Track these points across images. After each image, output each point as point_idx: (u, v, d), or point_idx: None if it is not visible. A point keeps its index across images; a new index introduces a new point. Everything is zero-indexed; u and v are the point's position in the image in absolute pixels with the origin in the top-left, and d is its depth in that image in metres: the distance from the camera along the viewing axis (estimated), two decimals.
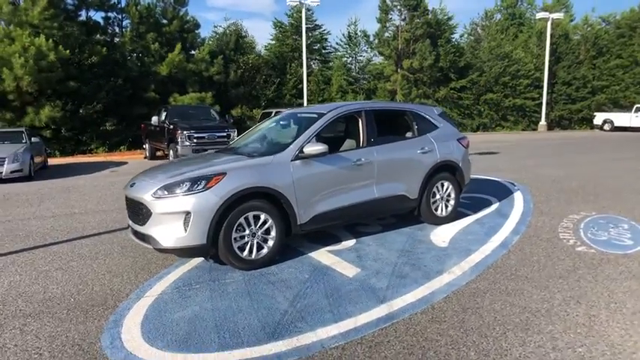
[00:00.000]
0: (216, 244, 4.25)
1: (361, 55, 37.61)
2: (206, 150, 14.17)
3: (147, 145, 17.06)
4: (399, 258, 4.72)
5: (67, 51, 18.04)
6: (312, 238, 5.47)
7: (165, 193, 4.22)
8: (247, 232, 4.41)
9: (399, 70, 34.36)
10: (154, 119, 15.17)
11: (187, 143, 13.85)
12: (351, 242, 5.33)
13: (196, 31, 25.62)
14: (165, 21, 23.86)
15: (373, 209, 5.35)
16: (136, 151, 19.75)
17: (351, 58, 37.52)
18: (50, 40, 16.96)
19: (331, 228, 5.73)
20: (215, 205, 4.16)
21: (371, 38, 36.56)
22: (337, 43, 37.64)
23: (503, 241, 5.24)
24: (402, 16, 35.01)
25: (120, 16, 23.43)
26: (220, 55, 25.70)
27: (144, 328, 3.34)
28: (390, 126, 5.83)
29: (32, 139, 13.27)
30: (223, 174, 4.30)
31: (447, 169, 6.03)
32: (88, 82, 19.79)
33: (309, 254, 4.92)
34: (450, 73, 34.76)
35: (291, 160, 4.67)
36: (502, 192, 8.20)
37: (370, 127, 5.39)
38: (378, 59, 37.56)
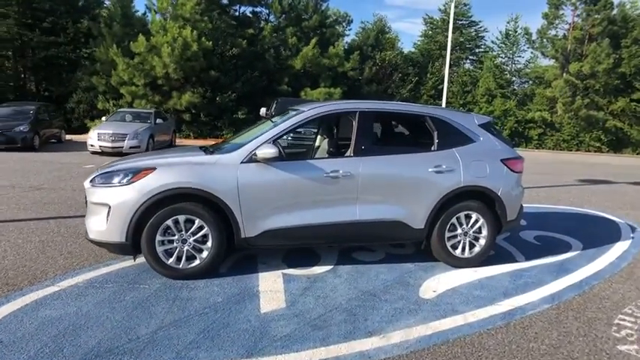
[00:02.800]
0: (139, 244, 3.90)
1: (519, 56, 33.56)
2: (303, 145, 14.17)
3: None
4: (350, 302, 3.73)
5: (210, 42, 19.87)
6: (289, 254, 4.77)
7: (99, 181, 4.02)
8: (177, 237, 3.95)
9: (564, 74, 29.63)
10: (262, 111, 15.65)
11: (284, 137, 13.93)
12: (324, 268, 4.47)
13: (336, 27, 25.90)
14: (306, 15, 24.58)
15: (354, 233, 4.37)
16: None
17: (506, 59, 33.73)
18: (194, 32, 18.85)
19: (317, 247, 4.95)
20: (135, 202, 3.80)
21: (534, 37, 32.25)
22: (492, 42, 34.16)
23: (517, 308, 3.77)
24: (577, 12, 30.02)
25: (267, 11, 24.96)
26: (357, 50, 25.53)
27: (3, 320, 3.16)
28: (398, 134, 4.71)
29: (157, 120, 14.89)
30: (152, 169, 3.91)
31: (477, 197, 4.64)
32: (227, 73, 21.54)
33: (259, 273, 4.26)
34: (635, 81, 28.63)
35: (242, 162, 4.04)
36: (603, 237, 6.16)
37: (363, 133, 4.41)
38: (544, 62, 33.01)
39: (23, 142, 13.04)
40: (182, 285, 3.90)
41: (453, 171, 4.51)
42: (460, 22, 35.14)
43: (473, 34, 35.61)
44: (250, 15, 25.07)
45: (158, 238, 3.90)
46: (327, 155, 5.17)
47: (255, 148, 4.06)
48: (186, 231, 3.96)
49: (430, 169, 4.47)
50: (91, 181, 4.08)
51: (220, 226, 4.00)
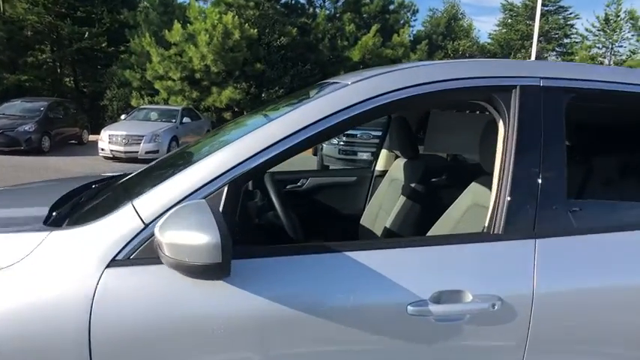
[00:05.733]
0: None
1: (620, 46, 28.18)
2: (356, 153, 11.21)
3: None
4: None
5: (255, 30, 17.37)
6: None
7: None
8: None
9: None
10: None
11: (335, 141, 11.03)
12: None
13: (401, 12, 22.57)
14: (366, 0, 21.50)
15: None
16: None
17: (604, 49, 28.56)
18: (236, 18, 16.39)
19: None
20: None
21: None
22: (586, 29, 29.07)
23: None
24: None
25: None
26: (425, 39, 22.08)
27: None
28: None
29: (184, 119, 12.53)
30: None
31: None
32: (274, 65, 18.99)
33: None
34: None
35: (110, 265, 1.12)
36: None
37: (553, 162, 1.31)
38: None
39: (27, 144, 11.07)
40: None
41: None
42: (546, 8, 30.47)
43: (561, 21, 30.75)
44: (303, 1, 22.36)
45: None
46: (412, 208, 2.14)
47: (155, 219, 1.12)
48: None
49: None
50: None
51: None
